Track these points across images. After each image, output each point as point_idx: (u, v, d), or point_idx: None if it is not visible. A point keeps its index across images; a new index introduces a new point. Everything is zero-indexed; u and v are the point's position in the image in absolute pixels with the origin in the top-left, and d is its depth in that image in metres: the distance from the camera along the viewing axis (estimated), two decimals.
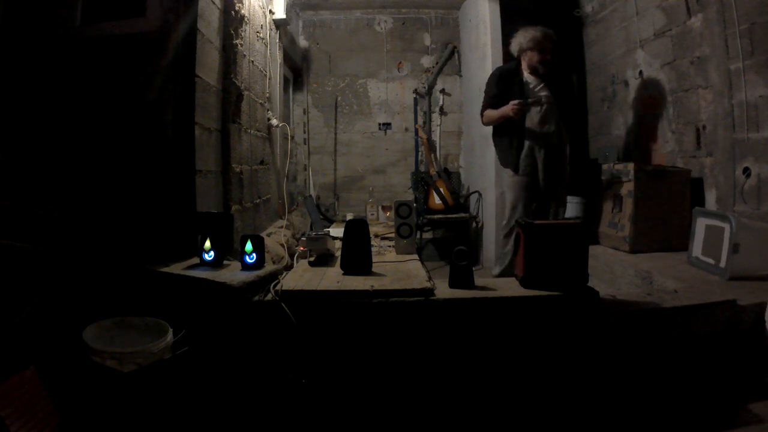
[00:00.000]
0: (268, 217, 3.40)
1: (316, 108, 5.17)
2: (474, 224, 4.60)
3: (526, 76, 3.12)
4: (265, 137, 3.40)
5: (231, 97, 2.66)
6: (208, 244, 2.09)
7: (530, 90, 3.09)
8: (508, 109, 2.98)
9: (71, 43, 2.29)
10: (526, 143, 3.07)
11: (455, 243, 2.08)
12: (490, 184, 4.06)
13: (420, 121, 5.00)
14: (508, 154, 3.12)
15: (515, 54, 3.18)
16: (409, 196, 4.72)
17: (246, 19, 2.82)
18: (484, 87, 3.27)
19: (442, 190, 4.58)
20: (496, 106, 3.09)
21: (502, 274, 3.02)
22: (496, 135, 3.22)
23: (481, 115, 3.22)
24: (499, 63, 3.92)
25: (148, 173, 2.23)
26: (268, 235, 3.02)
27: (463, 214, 4.60)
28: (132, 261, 2.02)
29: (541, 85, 3.10)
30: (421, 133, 4.77)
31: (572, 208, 3.74)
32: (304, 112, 5.10)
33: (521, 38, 3.10)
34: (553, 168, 3.10)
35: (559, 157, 3.12)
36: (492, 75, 3.25)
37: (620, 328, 1.93)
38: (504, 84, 3.11)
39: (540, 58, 3.06)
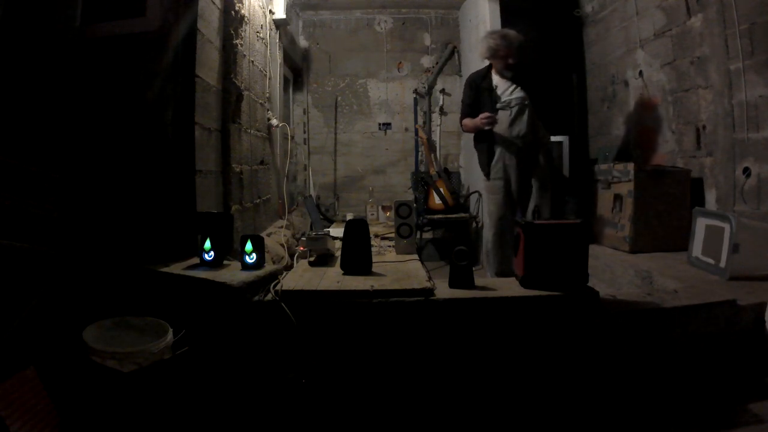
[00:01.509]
0: (268, 217, 3.40)
1: (316, 108, 5.17)
2: (474, 224, 4.60)
3: (497, 80, 3.12)
4: (265, 137, 3.40)
5: (231, 97, 2.66)
6: (208, 244, 2.09)
7: (500, 94, 3.10)
8: (478, 122, 3.03)
9: (71, 43, 2.28)
10: (497, 148, 3.09)
11: (455, 243, 2.08)
12: None
13: (420, 121, 5.00)
14: (482, 160, 3.17)
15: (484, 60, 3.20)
16: (409, 196, 4.72)
17: (246, 19, 2.82)
18: None
19: (442, 190, 4.58)
20: (472, 115, 3.14)
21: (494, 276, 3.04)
22: (475, 141, 3.26)
23: (461, 124, 3.30)
24: None
25: (148, 173, 2.23)
26: (268, 235, 3.02)
27: (463, 214, 4.60)
28: (132, 261, 2.02)
29: (513, 87, 3.08)
30: (421, 133, 4.77)
31: (571, 208, 3.75)
32: (304, 112, 5.10)
33: (481, 47, 3.12)
34: (527, 170, 3.10)
35: (534, 158, 3.11)
36: (465, 83, 3.30)
37: (620, 328, 1.93)
38: (475, 91, 3.16)
39: (503, 64, 3.07)
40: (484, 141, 3.14)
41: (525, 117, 3.06)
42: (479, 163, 3.23)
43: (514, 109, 3.05)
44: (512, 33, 3.06)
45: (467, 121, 3.19)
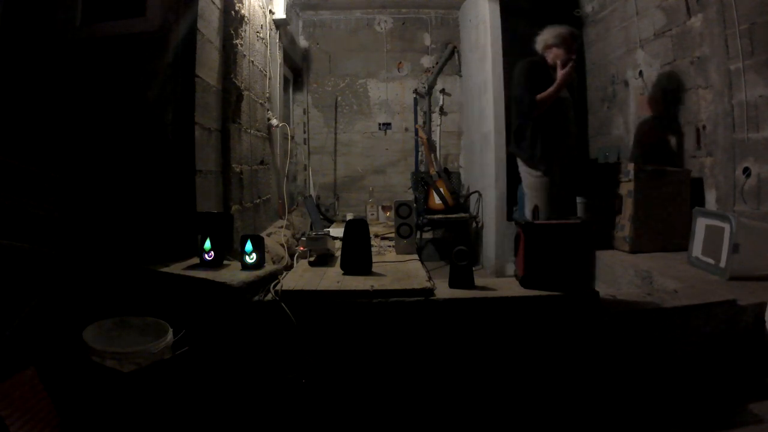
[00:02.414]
0: (268, 217, 3.39)
1: (316, 108, 5.17)
2: (474, 224, 4.60)
3: (552, 73, 3.04)
4: (265, 137, 3.40)
5: (231, 97, 2.66)
6: (208, 244, 2.09)
7: None
8: (566, 70, 2.90)
9: (71, 44, 2.28)
10: (555, 142, 2.97)
11: (455, 243, 2.07)
12: (490, 184, 4.06)
13: (420, 121, 5.00)
14: (534, 154, 2.98)
15: (539, 50, 3.10)
16: (409, 196, 4.72)
17: (246, 19, 2.82)
18: (513, 85, 3.13)
19: (442, 190, 4.58)
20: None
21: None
22: (519, 135, 3.08)
23: (535, 105, 2.93)
24: (499, 63, 3.92)
25: (148, 173, 2.23)
26: (268, 235, 3.02)
27: (463, 214, 4.60)
28: (132, 261, 2.02)
29: None
30: (421, 133, 4.77)
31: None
32: (304, 112, 5.10)
33: (547, 35, 3.06)
34: (570, 167, 3.06)
35: (574, 156, 3.10)
36: (522, 68, 3.07)
37: (620, 328, 1.93)
38: (536, 77, 2.99)
39: (565, 56, 2.99)
40: (532, 134, 2.97)
41: (572, 114, 3.05)
42: (530, 157, 3.01)
43: (565, 105, 3.02)
44: (575, 29, 3.07)
45: (543, 95, 2.91)
